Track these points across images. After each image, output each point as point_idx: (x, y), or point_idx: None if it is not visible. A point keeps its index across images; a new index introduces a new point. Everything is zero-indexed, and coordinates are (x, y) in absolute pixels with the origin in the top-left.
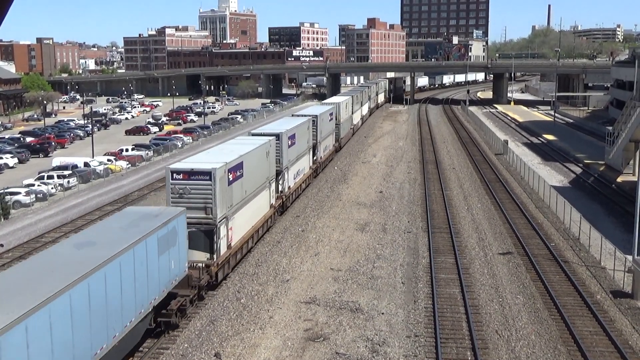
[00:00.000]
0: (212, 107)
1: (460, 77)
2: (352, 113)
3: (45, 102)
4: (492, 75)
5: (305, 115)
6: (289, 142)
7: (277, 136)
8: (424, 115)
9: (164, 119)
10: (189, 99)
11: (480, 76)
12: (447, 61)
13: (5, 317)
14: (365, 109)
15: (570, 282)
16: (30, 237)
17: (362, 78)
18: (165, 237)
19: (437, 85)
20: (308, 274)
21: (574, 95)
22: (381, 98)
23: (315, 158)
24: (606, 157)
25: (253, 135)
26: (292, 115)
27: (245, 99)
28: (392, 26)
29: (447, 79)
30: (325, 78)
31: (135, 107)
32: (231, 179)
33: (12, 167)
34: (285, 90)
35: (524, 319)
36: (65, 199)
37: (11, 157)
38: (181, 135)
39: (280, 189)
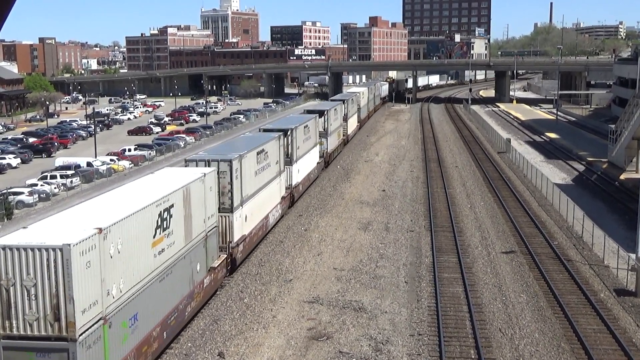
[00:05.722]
0: (215, 107)
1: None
2: (264, 186)
3: (47, 102)
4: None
5: None
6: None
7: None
8: (426, 114)
9: (166, 119)
10: (191, 99)
11: (434, 79)
12: (449, 59)
13: None
14: (313, 156)
15: (574, 280)
16: None
17: (364, 77)
18: None
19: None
20: (311, 274)
21: (576, 93)
22: (358, 117)
23: None
24: (609, 155)
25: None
26: None
27: (248, 99)
28: (394, 24)
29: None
30: (327, 77)
31: (137, 107)
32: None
33: (15, 168)
34: (287, 90)
35: (527, 317)
36: (68, 199)
37: (14, 157)
38: (184, 135)
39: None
